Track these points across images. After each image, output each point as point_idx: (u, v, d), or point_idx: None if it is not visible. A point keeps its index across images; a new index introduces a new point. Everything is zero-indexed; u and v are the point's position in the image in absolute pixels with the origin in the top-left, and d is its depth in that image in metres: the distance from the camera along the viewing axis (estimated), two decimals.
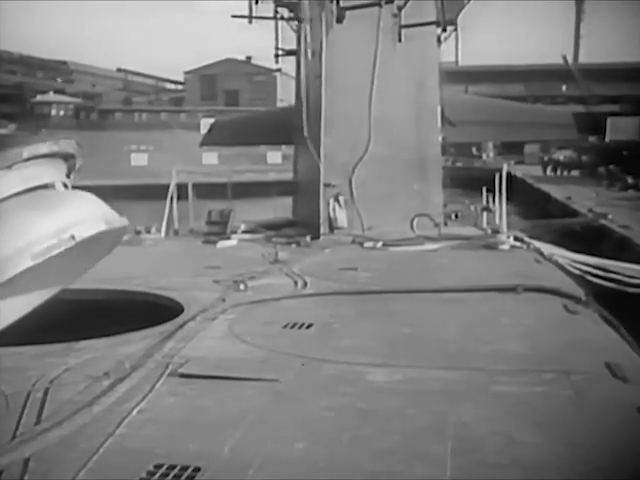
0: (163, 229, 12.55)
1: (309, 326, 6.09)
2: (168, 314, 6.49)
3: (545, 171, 49.20)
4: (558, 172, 49.00)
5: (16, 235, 3.44)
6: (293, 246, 11.28)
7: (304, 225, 12.78)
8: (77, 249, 3.63)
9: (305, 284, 7.96)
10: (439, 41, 14.24)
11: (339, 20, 12.08)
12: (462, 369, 4.81)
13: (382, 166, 12.67)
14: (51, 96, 67.33)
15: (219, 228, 12.43)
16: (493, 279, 8.03)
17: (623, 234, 18.13)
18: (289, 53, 14.39)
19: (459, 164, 46.96)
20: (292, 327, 6.08)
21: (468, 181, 23.92)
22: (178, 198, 13.16)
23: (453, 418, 3.95)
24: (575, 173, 47.19)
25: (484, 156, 57.15)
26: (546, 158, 52.37)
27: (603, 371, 4.65)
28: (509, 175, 12.71)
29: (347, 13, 12.12)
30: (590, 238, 18.40)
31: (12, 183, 3.61)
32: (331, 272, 8.73)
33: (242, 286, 7.63)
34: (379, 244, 10.97)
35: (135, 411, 4.10)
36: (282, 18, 14.10)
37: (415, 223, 11.91)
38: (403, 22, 12.79)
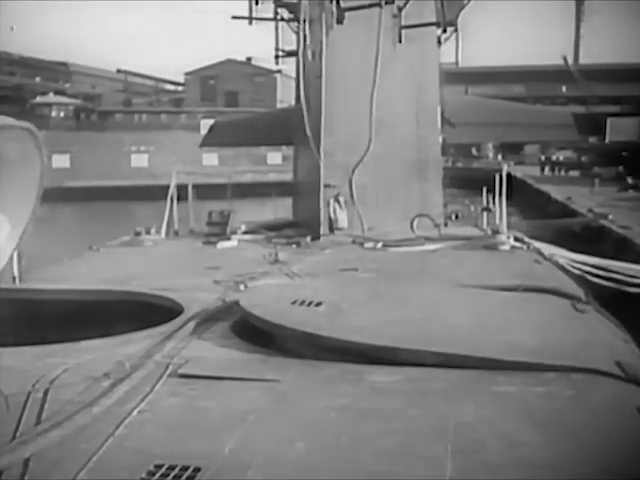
0: (163, 230, 12.53)
1: (318, 304, 6.10)
2: (168, 314, 6.49)
3: (543, 170, 49.30)
4: (556, 172, 49.12)
5: None
6: (293, 247, 11.26)
7: (304, 226, 12.76)
8: None
9: None
10: (439, 42, 14.24)
11: (339, 21, 12.06)
12: (463, 368, 4.80)
13: (382, 167, 12.66)
14: (51, 97, 67.28)
15: (219, 229, 12.42)
16: (493, 279, 8.03)
17: (623, 234, 18.14)
18: (289, 54, 14.37)
19: (459, 164, 47.04)
20: (301, 303, 6.10)
21: (468, 181, 23.95)
22: (178, 199, 13.14)
23: (454, 418, 3.95)
24: (574, 173, 47.23)
25: (498, 157, 56.51)
26: (543, 158, 52.44)
27: (604, 371, 4.64)
28: (509, 175, 12.70)
29: (347, 14, 12.12)
30: (590, 238, 18.41)
31: None
32: (331, 272, 8.73)
33: (242, 287, 7.62)
34: (379, 245, 10.96)
35: (135, 411, 4.10)
36: (282, 19, 14.10)
37: (415, 223, 11.90)
38: (403, 23, 12.78)
